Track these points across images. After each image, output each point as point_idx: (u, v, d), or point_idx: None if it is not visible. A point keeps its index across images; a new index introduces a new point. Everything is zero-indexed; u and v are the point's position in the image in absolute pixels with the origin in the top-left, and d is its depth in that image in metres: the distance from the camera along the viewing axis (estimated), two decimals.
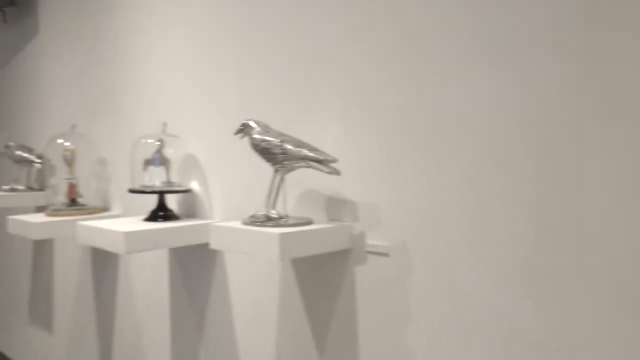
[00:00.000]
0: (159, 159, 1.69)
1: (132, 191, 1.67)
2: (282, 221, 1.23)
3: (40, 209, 2.63)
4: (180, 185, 1.74)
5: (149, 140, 1.69)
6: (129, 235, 1.45)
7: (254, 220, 1.23)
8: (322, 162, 1.19)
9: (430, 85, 1.12)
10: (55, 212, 2.08)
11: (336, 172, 1.20)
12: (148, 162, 1.70)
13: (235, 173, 1.60)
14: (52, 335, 2.69)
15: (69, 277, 2.52)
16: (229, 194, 1.64)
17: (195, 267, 1.78)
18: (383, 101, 1.20)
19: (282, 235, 1.11)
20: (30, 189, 2.61)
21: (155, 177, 1.71)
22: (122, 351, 2.17)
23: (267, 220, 1.23)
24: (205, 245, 1.65)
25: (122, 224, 1.61)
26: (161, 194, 1.69)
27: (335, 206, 1.30)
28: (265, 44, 1.49)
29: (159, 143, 1.68)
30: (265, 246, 1.13)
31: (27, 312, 2.94)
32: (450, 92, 1.09)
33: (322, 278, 1.35)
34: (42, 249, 2.75)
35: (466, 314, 1.07)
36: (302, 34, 1.38)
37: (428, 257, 1.13)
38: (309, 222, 1.25)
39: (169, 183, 1.72)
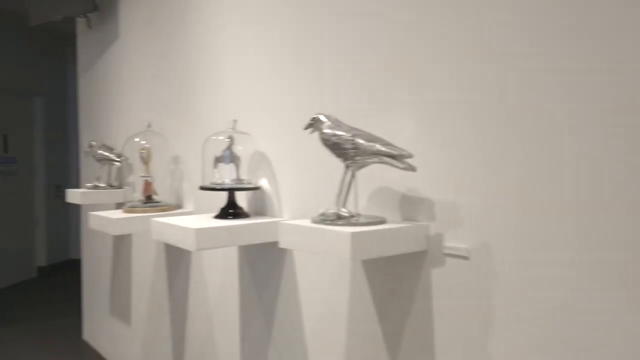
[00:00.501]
0: (228, 156, 1.69)
1: (203, 188, 1.68)
2: (353, 220, 1.17)
3: (119, 206, 2.74)
4: (249, 183, 1.73)
5: (220, 138, 1.68)
6: (199, 232, 1.45)
7: (324, 219, 1.18)
8: (397, 157, 1.11)
9: (517, 77, 1.01)
10: (132, 208, 2.14)
11: (411, 168, 1.12)
12: (218, 160, 1.70)
13: (305, 170, 1.56)
14: (130, 327, 2.80)
15: (145, 272, 2.60)
16: (298, 192, 1.60)
17: (264, 265, 1.76)
18: (462, 93, 1.11)
19: (354, 234, 1.05)
20: (110, 186, 2.73)
21: (225, 175, 1.70)
22: (194, 345, 2.20)
23: (338, 219, 1.17)
24: (274, 244, 1.62)
25: (193, 220, 1.61)
26: (231, 191, 1.69)
27: (410, 205, 1.22)
28: (336, 36, 1.43)
29: (228, 140, 1.68)
30: (336, 246, 1.07)
31: (109, 305, 3.08)
32: (543, 82, 0.98)
33: (395, 281, 1.27)
34: (122, 244, 2.87)
35: (557, 326, 0.96)
36: (375, 25, 1.32)
37: (514, 261, 1.02)
38: (382, 222, 1.18)
39: (239, 180, 1.71)
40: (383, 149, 1.12)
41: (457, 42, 1.12)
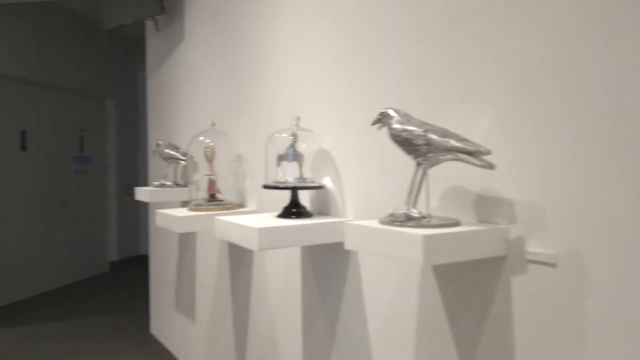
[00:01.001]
0: (292, 154, 1.65)
1: (266, 187, 1.65)
2: (424, 221, 1.09)
3: (184, 204, 2.79)
4: (312, 181, 1.68)
5: (283, 135, 1.65)
6: (262, 231, 1.42)
7: (393, 220, 1.11)
8: (473, 153, 1.02)
9: (626, 61, 0.90)
10: (197, 207, 2.16)
11: (490, 166, 1.02)
12: (281, 158, 1.67)
13: (371, 168, 1.50)
14: (194, 323, 2.84)
15: (208, 270, 2.63)
16: (363, 190, 1.54)
17: (327, 265, 1.71)
18: (548, 83, 1.00)
19: (426, 237, 0.97)
20: (176, 184, 2.78)
21: (289, 173, 1.67)
22: (256, 343, 2.19)
23: (408, 220, 1.10)
24: (338, 244, 1.57)
25: (256, 219, 1.59)
26: (294, 190, 1.65)
27: (487, 206, 1.13)
28: (403, 27, 1.36)
29: (292, 138, 1.64)
30: (407, 249, 1.00)
31: (174, 301, 3.15)
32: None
33: (470, 288, 1.18)
34: (187, 241, 2.92)
35: None
36: (446, 8, 1.23)
37: (610, 270, 0.91)
38: (456, 224, 1.10)
39: (302, 179, 1.67)
40: (458, 144, 1.03)
41: (549, 16, 1.01)
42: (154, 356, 3.39)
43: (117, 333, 3.92)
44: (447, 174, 1.20)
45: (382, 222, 1.13)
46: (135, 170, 6.60)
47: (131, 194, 6.49)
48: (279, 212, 1.69)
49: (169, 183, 2.78)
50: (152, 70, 3.43)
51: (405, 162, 1.19)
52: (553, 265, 1.00)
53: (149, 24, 3.15)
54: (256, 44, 2.14)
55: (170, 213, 2.10)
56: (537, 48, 1.02)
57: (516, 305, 1.07)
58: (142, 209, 6.53)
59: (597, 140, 0.93)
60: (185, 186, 2.79)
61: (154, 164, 3.47)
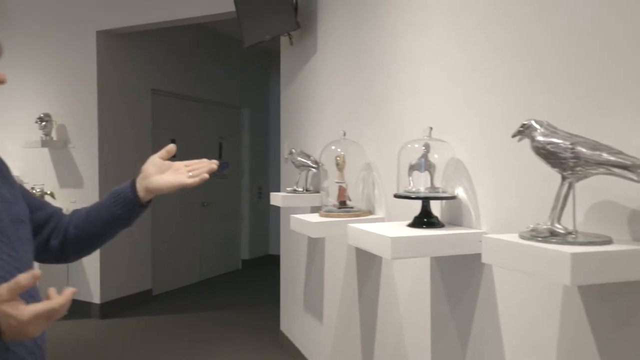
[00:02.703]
0: (424, 164, 1.66)
1: (397, 196, 1.68)
2: (569, 238, 1.04)
3: (314, 210, 2.92)
4: (444, 191, 1.67)
5: (415, 145, 1.66)
6: (395, 240, 1.45)
7: (535, 235, 1.07)
8: (630, 167, 0.95)
9: None
10: (328, 213, 2.25)
11: None
12: (413, 167, 1.68)
13: (507, 179, 1.45)
14: (322, 324, 2.96)
15: (336, 273, 2.72)
16: (498, 202, 1.49)
17: (458, 276, 1.68)
18: None
19: (574, 255, 0.93)
20: (307, 190, 2.92)
21: (420, 182, 1.68)
22: (384, 350, 2.22)
23: (552, 236, 1.05)
24: (471, 256, 1.54)
25: (388, 228, 1.62)
26: (426, 200, 1.65)
27: None
28: (539, 29, 1.30)
29: (424, 148, 1.65)
30: (552, 267, 0.96)
31: (303, 301, 3.30)
32: None
33: (623, 312, 1.09)
34: (316, 244, 3.05)
35: None
36: (590, 9, 1.15)
37: None
38: (608, 241, 1.03)
39: (433, 188, 1.67)
40: (612, 158, 0.97)
41: None
42: (285, 353, 3.58)
43: (250, 327, 4.20)
44: (596, 187, 1.12)
45: (523, 237, 1.09)
46: (266, 175, 7.02)
47: (262, 197, 6.93)
48: (409, 221, 1.70)
49: (300, 189, 2.93)
50: (286, 82, 3.64)
51: (546, 174, 1.14)
52: None
53: (284, 39, 3.36)
54: (387, 56, 2.18)
55: (303, 218, 2.22)
56: None
57: None
58: (273, 211, 6.93)
59: None
60: (316, 192, 2.91)
61: (286, 171, 3.68)
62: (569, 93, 1.23)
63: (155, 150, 1.25)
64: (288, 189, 2.97)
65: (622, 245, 1.01)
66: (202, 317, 4.48)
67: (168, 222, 5.41)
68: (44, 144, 4.44)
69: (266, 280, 5.94)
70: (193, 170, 1.14)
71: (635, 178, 0.95)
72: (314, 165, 2.85)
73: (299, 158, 2.91)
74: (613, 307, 1.11)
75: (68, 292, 0.83)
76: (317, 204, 2.89)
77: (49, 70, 4.57)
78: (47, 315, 0.81)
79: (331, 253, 2.80)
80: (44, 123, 4.44)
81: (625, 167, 0.96)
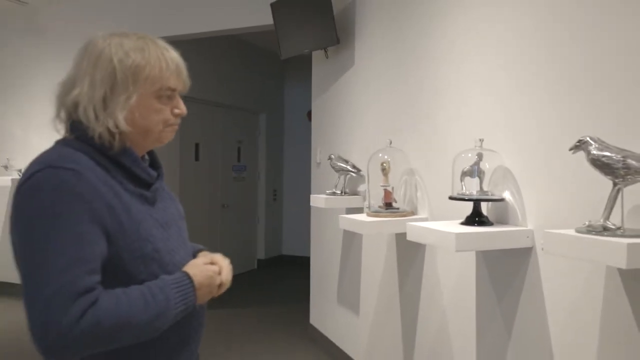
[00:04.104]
0: (476, 171, 1.91)
1: (452, 198, 1.93)
2: (618, 232, 1.30)
3: (349, 211, 3.17)
4: (493, 194, 1.93)
5: (469, 155, 1.92)
6: (459, 235, 1.71)
7: (591, 230, 1.33)
8: None
9: None
10: (376, 213, 2.51)
11: None
12: (465, 174, 1.94)
13: (550, 185, 1.71)
14: (358, 317, 3.20)
15: (375, 268, 2.97)
16: (542, 204, 1.75)
17: (505, 268, 1.94)
18: None
19: (629, 244, 1.19)
20: (345, 193, 3.18)
21: (471, 187, 1.94)
22: (426, 338, 2.47)
23: (604, 230, 1.31)
24: (518, 250, 1.80)
25: (445, 226, 1.88)
26: (478, 201, 1.91)
27: None
28: (588, 52, 1.56)
29: (477, 157, 1.91)
30: (611, 254, 1.22)
31: (336, 295, 3.55)
32: None
33: None
34: (351, 241, 3.29)
35: None
36: (627, 42, 1.42)
37: None
38: None
39: (483, 192, 1.93)
40: None
41: None
42: (316, 345, 3.82)
43: (277, 323, 4.44)
44: (638, 191, 1.38)
45: (580, 232, 1.35)
46: (281, 178, 7.27)
47: (277, 199, 7.17)
48: (458, 220, 1.96)
49: (339, 192, 3.18)
50: (318, 92, 3.89)
51: (585, 180, 1.40)
52: None
53: (318, 52, 3.60)
54: (429, 69, 2.44)
55: (355, 218, 2.47)
56: None
57: None
58: (287, 213, 7.18)
59: None
60: (353, 195, 3.17)
61: (317, 174, 3.93)
62: (608, 113, 1.49)
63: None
64: (328, 191, 3.21)
65: None
66: (226, 314, 4.70)
67: (191, 223, 5.62)
68: None
69: (284, 280, 6.18)
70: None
71: None
72: (353, 170, 3.10)
73: (339, 163, 3.16)
74: None
75: (226, 263, 1.14)
76: (354, 205, 3.14)
77: None
78: (224, 283, 1.12)
79: (369, 249, 3.05)
80: None
81: None
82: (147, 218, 1.05)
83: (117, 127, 1.01)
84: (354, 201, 3.13)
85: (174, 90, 1.09)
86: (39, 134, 5.19)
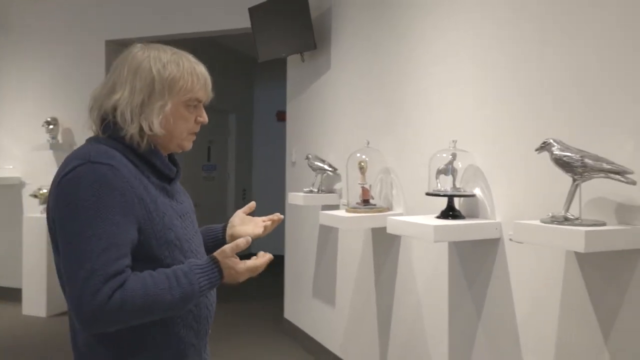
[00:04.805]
0: (450, 170, 2.10)
1: (429, 194, 2.11)
2: (577, 222, 1.50)
3: (324, 208, 3.32)
4: (465, 191, 2.13)
5: (444, 155, 2.11)
6: (436, 228, 1.89)
7: (554, 220, 1.53)
8: (620, 173, 1.42)
9: None
10: (354, 209, 2.67)
11: (632, 182, 1.42)
12: (440, 172, 2.13)
13: (517, 182, 1.91)
14: (334, 309, 3.36)
15: (351, 262, 3.13)
16: (509, 199, 1.95)
17: (475, 257, 2.13)
18: None
19: (587, 232, 1.39)
20: (321, 191, 3.33)
21: (446, 184, 2.12)
22: (401, 326, 2.65)
23: (565, 220, 1.51)
24: (488, 240, 2.00)
25: (422, 219, 2.06)
26: (451, 197, 2.10)
27: (626, 212, 1.51)
28: (552, 60, 1.77)
29: (451, 157, 2.09)
30: (571, 240, 1.42)
31: (312, 289, 3.70)
32: None
33: (610, 274, 1.56)
34: (327, 237, 3.45)
35: None
36: (588, 49, 1.63)
37: None
38: (603, 224, 1.49)
39: (456, 189, 2.12)
40: (609, 166, 1.44)
41: None
42: (290, 338, 3.95)
43: (250, 317, 4.55)
44: (594, 187, 1.59)
45: (544, 222, 1.55)
46: (250, 178, 7.35)
47: (247, 198, 7.25)
48: (433, 214, 2.14)
49: (315, 190, 3.33)
50: (293, 95, 4.02)
51: (548, 178, 1.60)
52: None
53: (294, 56, 3.74)
54: (404, 74, 2.62)
55: (335, 214, 2.63)
56: None
57: None
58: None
59: None
60: (329, 193, 3.32)
61: (291, 173, 4.06)
62: (569, 117, 1.70)
63: None
64: (305, 189, 3.36)
65: (612, 226, 1.48)
66: None
67: None
68: (51, 146, 4.62)
69: (256, 277, 6.26)
70: (267, 226, 1.44)
71: (624, 180, 1.42)
72: (329, 169, 3.25)
73: (316, 162, 3.30)
74: (603, 271, 1.58)
75: (268, 256, 1.22)
76: (330, 203, 3.30)
77: (57, 76, 4.76)
78: (253, 270, 1.19)
79: (345, 245, 3.21)
80: (51, 126, 4.64)
81: (617, 173, 1.43)
82: (169, 209, 1.18)
83: (151, 129, 1.13)
84: (329, 199, 3.28)
85: (200, 101, 1.21)
86: (9, 135, 5.09)
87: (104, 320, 1.02)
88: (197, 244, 1.28)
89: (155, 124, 1.14)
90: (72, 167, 1.07)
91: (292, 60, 3.92)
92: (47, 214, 1.12)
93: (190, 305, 1.13)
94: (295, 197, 3.32)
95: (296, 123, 3.99)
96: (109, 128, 1.15)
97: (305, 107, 3.81)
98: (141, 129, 1.13)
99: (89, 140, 1.17)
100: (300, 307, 3.89)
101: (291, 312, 4.07)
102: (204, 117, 1.24)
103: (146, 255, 1.11)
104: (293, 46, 3.47)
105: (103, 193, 1.05)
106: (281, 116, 7.21)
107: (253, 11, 3.64)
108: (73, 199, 1.04)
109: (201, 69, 1.22)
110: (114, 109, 1.13)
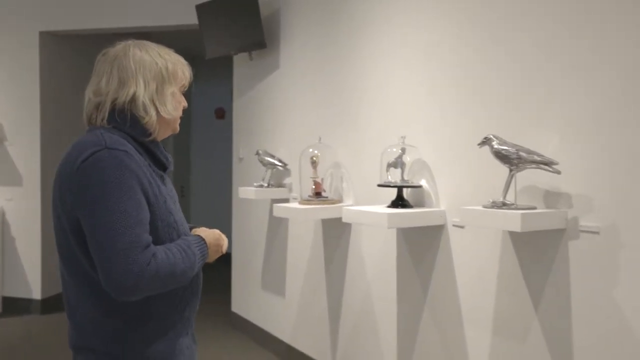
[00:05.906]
0: (400, 163, 2.31)
1: (381, 185, 2.31)
2: (513, 206, 1.74)
3: (274, 202, 3.44)
4: (413, 182, 2.34)
5: (394, 149, 2.31)
6: (390, 215, 2.08)
7: (494, 205, 1.76)
8: (548, 164, 1.68)
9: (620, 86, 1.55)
10: (307, 201, 2.82)
11: (557, 172, 1.68)
12: (390, 165, 2.33)
13: (459, 174, 2.15)
14: (284, 299, 3.49)
15: (301, 252, 3.27)
16: (453, 190, 2.19)
17: (421, 242, 2.35)
18: (591, 114, 1.66)
19: (523, 214, 1.63)
20: (271, 185, 3.44)
21: (395, 176, 2.33)
22: (351, 310, 2.83)
23: (503, 205, 1.75)
24: (432, 227, 2.22)
25: (376, 209, 2.25)
26: (401, 188, 2.31)
27: (553, 197, 1.78)
28: (495, 59, 2.01)
29: (401, 151, 2.30)
30: (509, 222, 1.65)
31: (260, 282, 3.80)
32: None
33: (539, 251, 1.82)
34: (276, 228, 3.56)
35: None
36: (527, 57, 1.88)
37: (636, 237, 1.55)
38: (534, 208, 1.75)
39: (404, 180, 2.33)
40: (539, 158, 1.69)
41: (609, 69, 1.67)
42: (238, 330, 4.03)
43: (197, 313, 4.56)
44: (526, 177, 1.84)
45: (486, 207, 1.78)
46: (188, 175, 7.29)
47: (185, 195, 7.19)
48: (384, 204, 2.34)
49: (265, 184, 3.44)
50: (240, 93, 4.10)
51: (486, 170, 1.84)
52: (597, 232, 1.65)
53: (241, 54, 3.81)
54: (352, 72, 2.80)
55: (290, 206, 2.76)
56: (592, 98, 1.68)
57: (572, 262, 1.72)
58: (194, 209, 7.23)
59: (632, 155, 1.57)
60: (278, 187, 3.45)
61: (238, 169, 4.14)
62: (511, 116, 1.95)
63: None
64: (255, 184, 3.46)
65: (541, 209, 1.74)
66: None
67: None
68: None
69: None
70: None
71: (551, 170, 1.68)
72: (280, 164, 3.38)
73: (266, 158, 3.41)
74: (533, 248, 1.84)
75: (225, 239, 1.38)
76: (279, 197, 3.42)
77: None
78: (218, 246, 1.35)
79: (295, 235, 3.35)
80: None
81: (546, 164, 1.68)
82: (166, 195, 1.27)
83: (168, 114, 1.24)
84: (280, 193, 3.40)
85: (186, 87, 1.32)
86: None
87: (142, 287, 1.11)
88: (186, 227, 1.38)
89: (170, 109, 1.26)
90: (91, 152, 1.15)
91: (239, 59, 3.99)
92: (55, 200, 1.19)
93: (192, 276, 1.24)
94: (246, 192, 3.41)
95: (243, 120, 4.07)
96: (114, 120, 1.22)
97: (254, 105, 3.90)
98: (158, 114, 1.23)
99: (93, 130, 1.23)
100: (249, 299, 3.98)
101: (239, 304, 4.15)
102: (185, 102, 1.35)
103: (153, 236, 1.20)
104: (242, 44, 3.55)
105: (125, 175, 1.14)
106: (219, 113, 7.21)
107: (200, 8, 3.67)
108: (98, 181, 1.12)
109: (183, 60, 1.34)
110: (133, 100, 1.21)
